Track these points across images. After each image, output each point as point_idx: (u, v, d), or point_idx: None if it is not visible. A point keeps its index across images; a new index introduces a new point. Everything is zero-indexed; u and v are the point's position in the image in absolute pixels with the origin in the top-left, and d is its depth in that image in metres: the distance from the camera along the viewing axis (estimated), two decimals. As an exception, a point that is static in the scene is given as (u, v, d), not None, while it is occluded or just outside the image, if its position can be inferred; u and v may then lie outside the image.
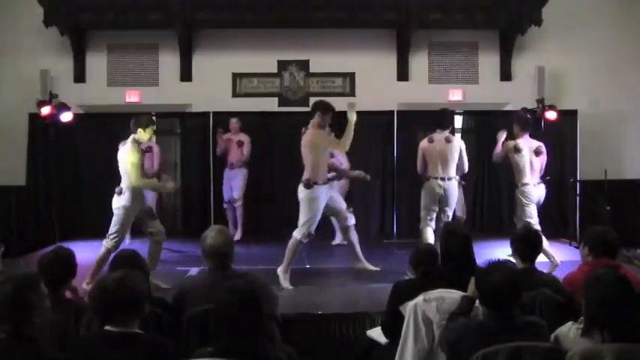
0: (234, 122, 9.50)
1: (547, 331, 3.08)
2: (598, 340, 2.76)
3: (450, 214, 7.36)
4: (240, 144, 9.41)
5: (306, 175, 6.31)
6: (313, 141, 6.37)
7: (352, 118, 6.46)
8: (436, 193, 7.21)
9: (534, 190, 7.20)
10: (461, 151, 7.33)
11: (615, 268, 3.59)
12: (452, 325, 3.23)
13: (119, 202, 6.22)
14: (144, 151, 7.69)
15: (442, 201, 7.22)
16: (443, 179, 7.22)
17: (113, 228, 6.21)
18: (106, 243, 6.18)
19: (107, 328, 2.84)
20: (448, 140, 7.28)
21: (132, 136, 6.24)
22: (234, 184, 9.40)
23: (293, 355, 2.90)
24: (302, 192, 6.31)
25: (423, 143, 7.39)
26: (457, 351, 3.05)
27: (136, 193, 6.21)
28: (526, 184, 7.17)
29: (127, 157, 6.14)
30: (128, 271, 3.03)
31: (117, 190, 6.26)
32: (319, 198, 6.30)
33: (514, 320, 3.05)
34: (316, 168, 6.32)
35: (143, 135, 6.26)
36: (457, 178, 7.38)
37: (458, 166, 7.33)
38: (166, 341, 2.94)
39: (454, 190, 7.32)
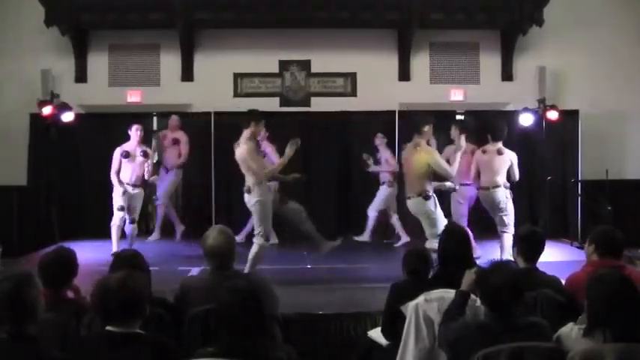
0: (174, 119, 9.39)
1: (549, 332, 3.07)
2: (600, 340, 2.76)
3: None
4: (176, 142, 9.08)
5: (420, 188, 6.40)
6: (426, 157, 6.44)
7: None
8: None
9: None
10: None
11: (619, 268, 3.59)
12: (452, 325, 3.23)
13: (252, 199, 6.33)
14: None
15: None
16: None
17: (257, 225, 6.34)
18: (257, 240, 6.31)
19: (109, 328, 2.84)
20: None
21: (245, 132, 6.36)
22: (163, 184, 9.15)
23: (293, 355, 2.89)
24: (420, 204, 6.43)
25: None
26: (457, 351, 3.05)
27: (265, 186, 6.34)
28: None
29: (244, 155, 6.27)
30: (129, 272, 3.02)
31: (245, 189, 6.37)
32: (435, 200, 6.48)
33: (516, 320, 3.04)
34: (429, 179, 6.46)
35: (256, 128, 6.38)
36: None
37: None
38: (168, 341, 2.94)
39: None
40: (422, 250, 4.33)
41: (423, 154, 6.47)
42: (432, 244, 6.14)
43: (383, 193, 9.38)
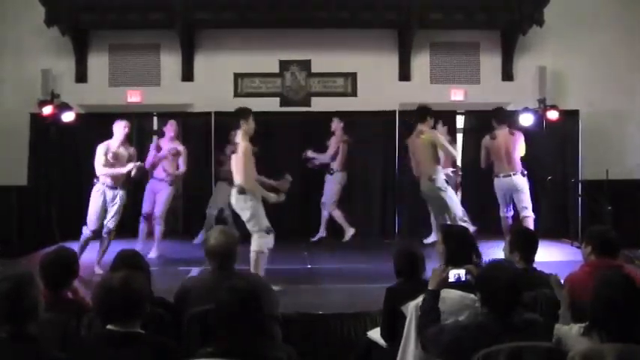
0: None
1: (545, 329, 3.07)
2: (598, 340, 2.76)
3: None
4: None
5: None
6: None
7: None
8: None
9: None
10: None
11: (618, 268, 3.59)
12: (447, 327, 3.22)
13: (435, 186, 7.25)
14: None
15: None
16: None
17: (450, 210, 7.23)
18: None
19: (109, 327, 2.85)
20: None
21: (423, 125, 7.29)
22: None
23: (293, 355, 2.89)
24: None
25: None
26: (455, 353, 3.02)
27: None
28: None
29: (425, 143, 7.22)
30: (130, 272, 3.04)
31: (428, 178, 7.21)
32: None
33: (514, 319, 3.04)
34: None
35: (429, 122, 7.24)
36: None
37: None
38: (168, 341, 2.95)
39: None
40: (406, 249, 4.29)
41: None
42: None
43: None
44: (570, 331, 2.97)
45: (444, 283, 3.52)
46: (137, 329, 2.87)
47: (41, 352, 2.73)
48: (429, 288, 3.51)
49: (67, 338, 3.19)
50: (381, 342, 4.11)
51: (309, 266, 7.75)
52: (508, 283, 3.05)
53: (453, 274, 3.57)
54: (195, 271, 6.65)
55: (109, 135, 9.19)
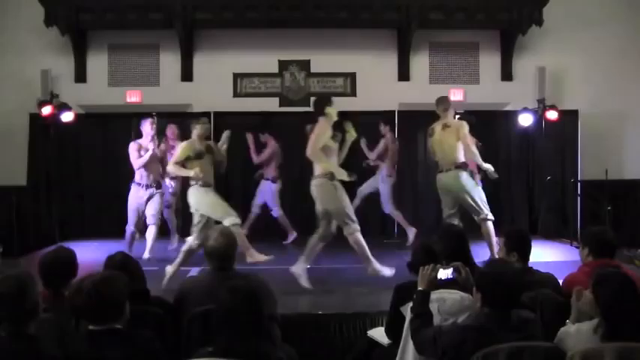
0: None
1: (539, 326, 3.08)
2: (604, 339, 2.75)
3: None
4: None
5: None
6: None
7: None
8: None
9: None
10: None
11: (616, 268, 3.60)
12: (446, 329, 3.21)
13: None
14: None
15: None
16: None
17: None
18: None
19: (90, 327, 2.87)
20: None
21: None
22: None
23: (293, 355, 2.90)
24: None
25: None
26: (455, 354, 3.02)
27: None
28: None
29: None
30: (108, 273, 3.08)
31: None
32: None
33: (512, 319, 3.04)
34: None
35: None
36: None
37: None
38: (149, 335, 2.97)
39: None
40: (424, 246, 4.26)
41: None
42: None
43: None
44: (570, 331, 2.97)
45: (434, 283, 3.51)
46: (116, 326, 2.88)
47: (41, 352, 2.73)
48: (419, 288, 3.49)
49: (66, 337, 3.19)
50: (382, 340, 4.10)
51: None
52: (512, 282, 3.06)
53: (443, 273, 3.56)
54: (194, 271, 6.64)
55: (108, 135, 9.20)
